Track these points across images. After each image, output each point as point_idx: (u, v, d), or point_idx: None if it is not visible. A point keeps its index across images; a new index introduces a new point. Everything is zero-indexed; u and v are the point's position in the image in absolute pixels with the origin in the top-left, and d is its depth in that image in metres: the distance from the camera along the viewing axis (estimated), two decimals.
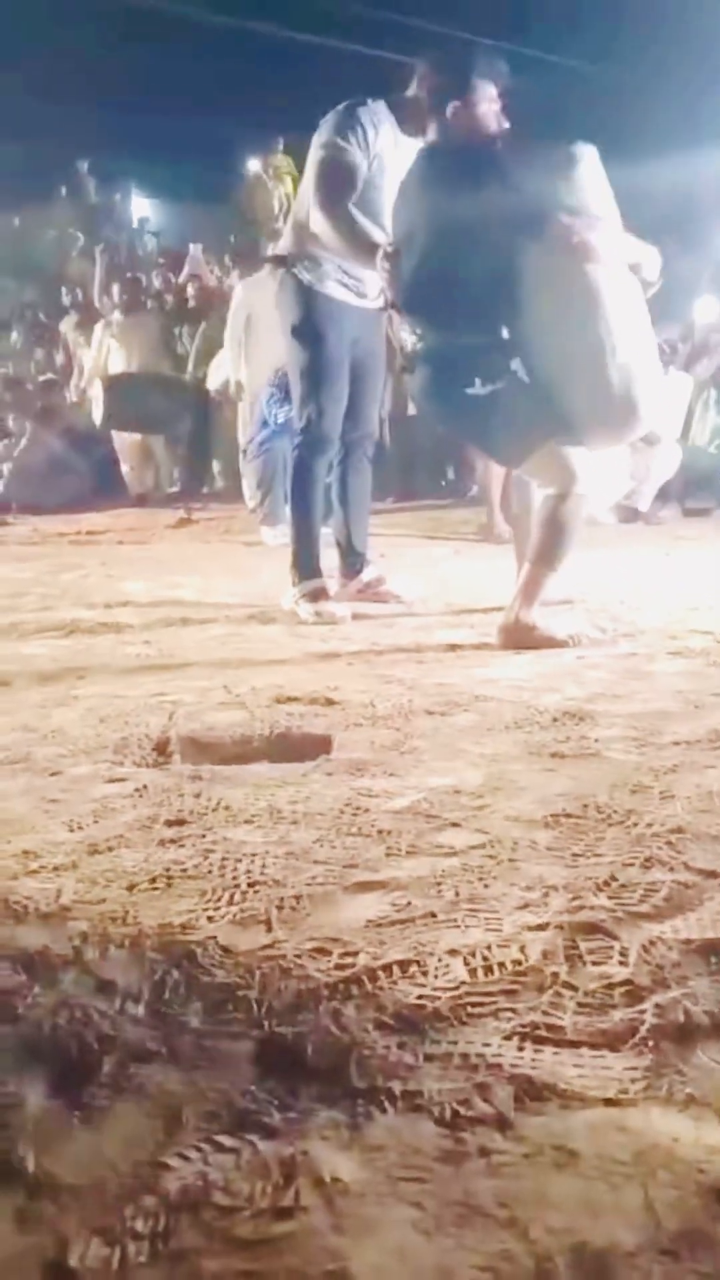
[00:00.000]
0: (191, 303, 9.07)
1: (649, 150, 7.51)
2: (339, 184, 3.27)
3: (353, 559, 3.79)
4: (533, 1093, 0.97)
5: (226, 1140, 0.92)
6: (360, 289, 3.45)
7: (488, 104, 2.95)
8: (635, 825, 1.57)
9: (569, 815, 1.62)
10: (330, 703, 2.30)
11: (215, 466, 8.73)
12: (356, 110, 3.33)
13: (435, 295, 2.81)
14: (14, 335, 9.84)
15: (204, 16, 12.78)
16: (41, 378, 9.30)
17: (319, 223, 3.31)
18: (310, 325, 3.43)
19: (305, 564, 3.52)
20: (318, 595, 3.46)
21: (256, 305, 6.17)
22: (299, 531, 3.57)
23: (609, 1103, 0.94)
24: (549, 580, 2.85)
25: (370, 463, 3.83)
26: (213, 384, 7.89)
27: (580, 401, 2.72)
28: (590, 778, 1.78)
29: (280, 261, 3.55)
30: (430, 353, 2.88)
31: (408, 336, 3.07)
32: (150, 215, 15.38)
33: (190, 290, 9.21)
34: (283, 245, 3.60)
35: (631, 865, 1.43)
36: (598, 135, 2.76)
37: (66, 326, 9.62)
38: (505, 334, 2.79)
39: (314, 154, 3.40)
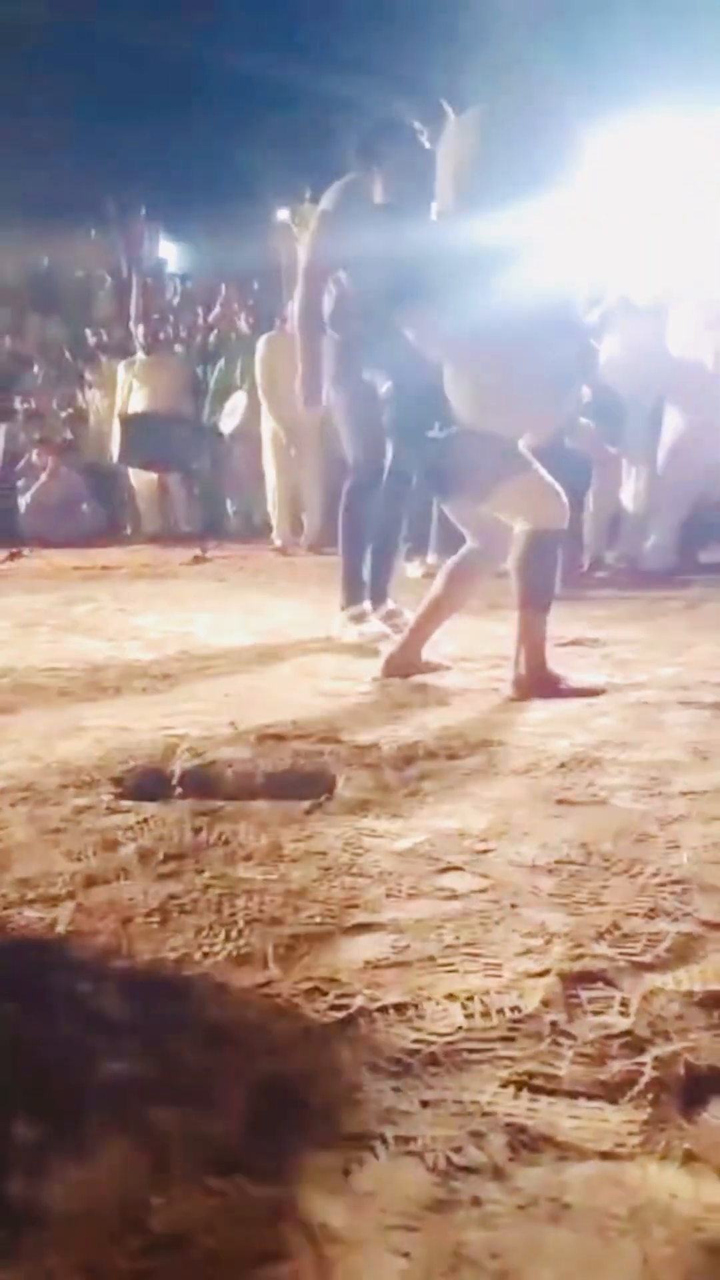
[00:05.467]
0: (212, 345, 9.17)
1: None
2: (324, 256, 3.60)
3: (375, 594, 4.03)
4: (528, 1143, 0.95)
5: (214, 1181, 0.91)
6: None
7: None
8: (640, 874, 1.55)
9: (573, 862, 1.60)
10: (336, 741, 2.29)
11: (229, 506, 8.78)
12: (353, 183, 3.58)
13: (381, 345, 2.85)
14: (36, 369, 9.93)
15: (236, 62, 13.07)
16: (63, 413, 9.39)
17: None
18: (345, 375, 3.72)
19: (351, 591, 3.82)
20: (360, 618, 3.76)
21: (275, 361, 6.62)
22: (348, 561, 3.86)
23: (606, 1156, 0.92)
24: (546, 622, 2.84)
25: (402, 502, 4.03)
26: (227, 427, 7.97)
27: (539, 387, 2.70)
28: (596, 825, 1.76)
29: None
30: (394, 400, 2.90)
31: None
32: (177, 258, 15.63)
33: (217, 331, 9.31)
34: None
35: (635, 914, 1.41)
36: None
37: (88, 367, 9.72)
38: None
39: (317, 217, 3.72)
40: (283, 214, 11.87)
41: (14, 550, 7.20)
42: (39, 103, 12.94)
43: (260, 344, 7.15)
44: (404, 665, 3.05)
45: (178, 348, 9.23)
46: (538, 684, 2.74)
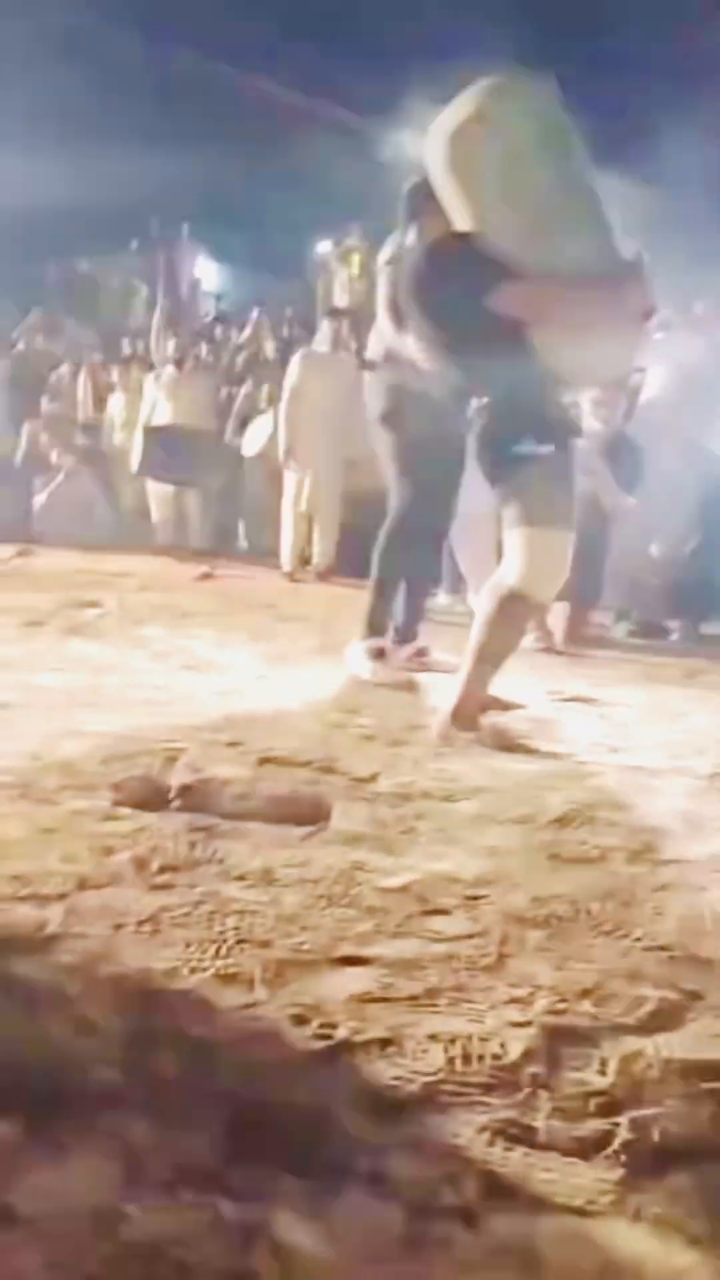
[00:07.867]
0: (240, 366, 9.25)
1: None
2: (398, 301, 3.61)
3: (406, 633, 4.02)
4: (500, 1191, 0.96)
5: (189, 1196, 0.91)
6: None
7: None
8: (625, 937, 1.56)
9: (561, 918, 1.61)
10: (333, 771, 2.31)
11: (241, 527, 8.81)
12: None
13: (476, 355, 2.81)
14: (63, 369, 9.97)
15: (294, 99, 13.35)
16: (86, 416, 9.46)
17: (387, 330, 3.74)
18: (394, 415, 3.77)
19: (373, 625, 3.77)
20: (379, 654, 3.69)
21: (306, 381, 6.58)
22: (379, 593, 3.81)
23: (577, 1211, 0.93)
24: (491, 680, 2.84)
25: (442, 541, 4.16)
26: (249, 450, 8.01)
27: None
28: (586, 883, 1.77)
29: (368, 365, 3.98)
30: (488, 407, 2.88)
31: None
32: (215, 279, 15.80)
33: (246, 353, 9.41)
34: (371, 350, 4.00)
35: (619, 976, 1.42)
36: None
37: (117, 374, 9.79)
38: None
39: (379, 269, 3.77)
40: (324, 245, 12.02)
41: (23, 546, 7.23)
42: (90, 116, 13.14)
43: (294, 361, 6.96)
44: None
45: (206, 363, 9.30)
46: (466, 726, 2.75)
